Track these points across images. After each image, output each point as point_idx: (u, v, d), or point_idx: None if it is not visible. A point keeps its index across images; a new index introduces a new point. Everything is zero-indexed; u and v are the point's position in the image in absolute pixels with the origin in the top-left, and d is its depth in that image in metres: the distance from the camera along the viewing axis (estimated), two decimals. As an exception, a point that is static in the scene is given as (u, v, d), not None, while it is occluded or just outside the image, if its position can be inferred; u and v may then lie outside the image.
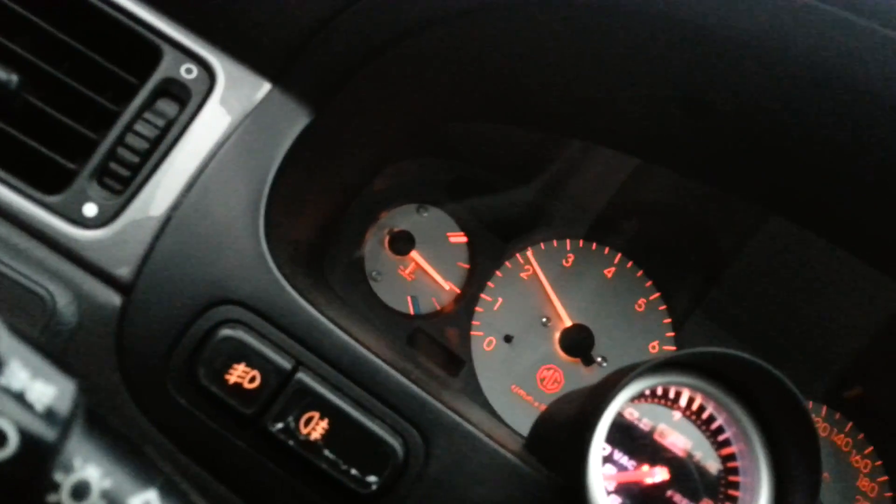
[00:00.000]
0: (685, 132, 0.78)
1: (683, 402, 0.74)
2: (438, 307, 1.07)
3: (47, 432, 0.29)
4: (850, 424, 1.09)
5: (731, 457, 0.73)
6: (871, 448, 1.08)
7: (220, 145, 0.70)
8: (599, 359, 1.09)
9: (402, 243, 1.07)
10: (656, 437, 0.74)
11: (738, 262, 1.04)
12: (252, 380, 0.65)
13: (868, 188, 0.73)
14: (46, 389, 0.30)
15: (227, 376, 0.64)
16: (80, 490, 0.30)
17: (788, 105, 0.67)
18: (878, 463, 1.08)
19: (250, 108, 0.72)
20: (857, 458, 1.08)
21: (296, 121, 0.73)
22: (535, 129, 0.96)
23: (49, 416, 0.29)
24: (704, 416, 0.74)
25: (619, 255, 1.11)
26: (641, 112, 0.80)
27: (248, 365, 0.65)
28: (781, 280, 1.03)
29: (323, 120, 0.75)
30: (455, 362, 1.06)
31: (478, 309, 1.08)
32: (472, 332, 1.08)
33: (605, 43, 0.72)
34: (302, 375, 0.65)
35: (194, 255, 0.68)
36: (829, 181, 0.75)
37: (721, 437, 0.74)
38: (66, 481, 0.30)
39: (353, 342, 0.68)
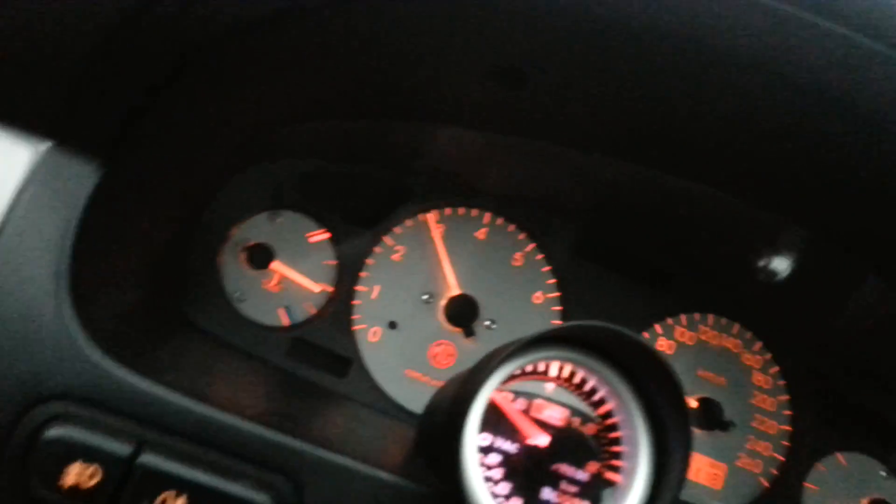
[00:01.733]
0: (512, 102, 0.75)
1: (554, 372, 0.74)
2: (314, 311, 1.04)
3: None
4: (736, 326, 1.12)
5: (609, 414, 0.74)
6: (760, 344, 1.12)
7: (1, 227, 0.63)
8: (488, 322, 1.08)
9: (261, 256, 1.02)
10: (533, 413, 0.74)
11: (604, 200, 1.04)
12: (92, 476, 0.60)
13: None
14: None
15: (63, 480, 0.60)
16: None
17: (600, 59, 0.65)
18: (769, 356, 1.12)
19: (29, 177, 0.65)
20: (749, 356, 1.12)
21: (84, 180, 0.66)
22: (376, 119, 0.91)
23: None
24: (576, 380, 0.74)
25: (488, 215, 1.09)
26: (470, 88, 0.77)
27: (84, 461, 0.60)
28: (650, 212, 1.03)
29: (120, 167, 0.68)
30: (342, 362, 1.03)
31: (355, 302, 1.05)
32: (355, 327, 1.05)
33: (435, 31, 0.68)
34: (146, 457, 0.61)
35: (2, 351, 0.62)
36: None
37: (596, 397, 0.74)
38: None
39: (196, 405, 0.64)
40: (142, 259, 0.78)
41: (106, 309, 0.69)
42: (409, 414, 1.04)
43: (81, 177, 0.66)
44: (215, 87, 0.75)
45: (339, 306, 1.04)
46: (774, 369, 1.12)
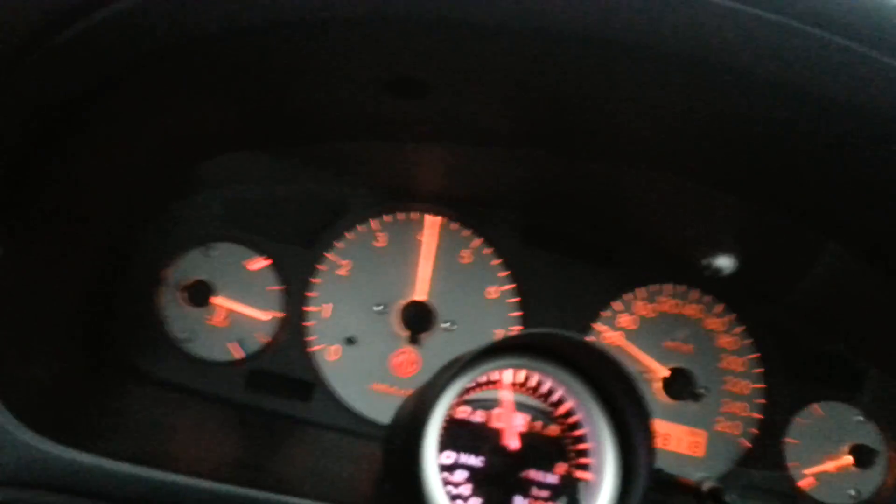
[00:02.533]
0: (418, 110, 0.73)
1: (508, 378, 0.72)
2: (267, 340, 1.00)
3: None
4: (696, 292, 1.11)
5: (570, 412, 0.72)
6: (722, 306, 1.11)
7: None
8: (447, 324, 1.05)
9: (201, 292, 0.98)
10: (493, 424, 0.71)
11: (541, 189, 1.01)
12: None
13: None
14: None
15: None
16: None
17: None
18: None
19: None
20: (712, 320, 1.11)
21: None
22: (292, 144, 0.88)
23: None
24: (532, 384, 0.72)
25: (426, 217, 1.06)
26: (370, 103, 0.74)
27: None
28: (588, 195, 1.01)
29: (15, 245, 0.64)
30: (304, 387, 1.01)
31: (308, 324, 1.02)
32: (312, 349, 1.02)
33: (329, 50, 0.64)
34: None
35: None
36: None
37: (555, 398, 0.72)
38: None
39: (142, 471, 0.61)
40: (63, 326, 0.75)
41: (31, 384, 0.65)
42: (381, 428, 1.01)
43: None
44: (121, 121, 0.71)
45: (292, 330, 1.01)
46: (739, 329, 1.11)
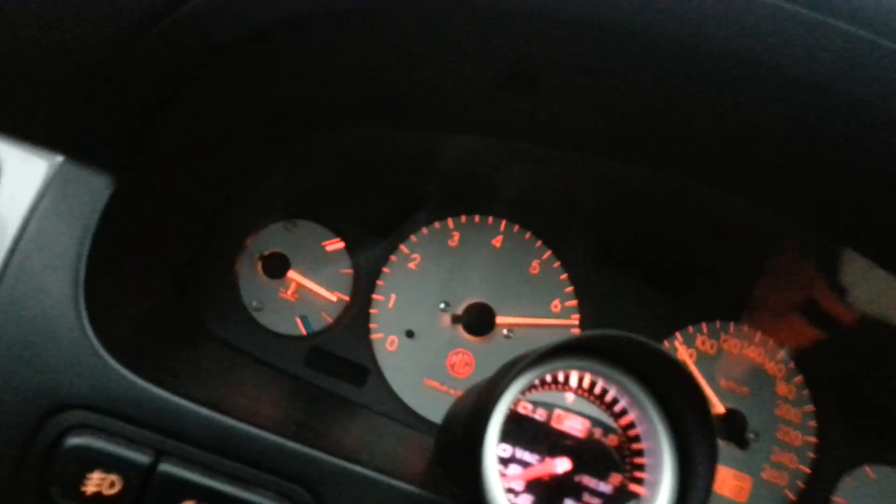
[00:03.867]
0: (524, 108, 0.75)
1: (574, 382, 0.73)
2: (331, 320, 1.03)
3: None
4: (758, 335, 1.10)
5: (631, 425, 0.72)
6: (801, 377, 1.10)
7: (17, 239, 0.63)
8: (506, 331, 1.07)
9: (277, 265, 1.01)
10: (553, 424, 0.72)
11: (621, 206, 1.02)
12: (112, 485, 0.60)
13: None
14: None
15: (84, 488, 0.59)
16: None
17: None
18: (791, 365, 1.10)
19: (43, 187, 0.65)
20: (772, 365, 1.10)
21: (98, 192, 0.66)
22: (390, 127, 0.91)
23: None
24: (597, 390, 0.73)
25: (503, 222, 1.08)
26: (483, 97, 0.76)
27: (104, 470, 0.60)
28: (668, 218, 1.01)
29: (133, 179, 0.68)
30: (359, 372, 1.03)
31: (372, 311, 1.05)
32: (372, 336, 1.04)
33: (442, 38, 0.67)
34: (166, 466, 0.61)
35: (16, 363, 0.61)
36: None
37: (617, 408, 0.73)
38: None
39: (214, 415, 0.64)
40: (157, 269, 0.78)
41: (123, 319, 0.69)
42: (428, 423, 1.03)
43: (94, 189, 0.66)
44: (229, 96, 0.75)
45: (355, 315, 1.04)
46: (798, 378, 1.10)
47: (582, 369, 0.72)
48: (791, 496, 1.07)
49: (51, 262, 0.63)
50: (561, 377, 0.72)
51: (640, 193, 0.92)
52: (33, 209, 0.64)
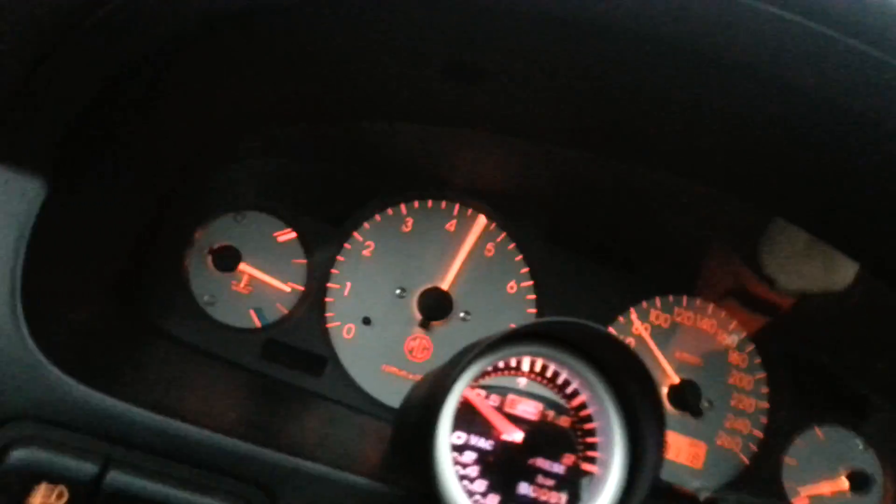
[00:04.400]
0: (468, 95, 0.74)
1: (526, 367, 0.74)
2: (286, 311, 1.02)
3: None
4: (711, 307, 1.12)
5: (583, 405, 0.73)
6: (735, 323, 1.13)
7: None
8: (462, 314, 1.07)
9: (228, 258, 1.00)
10: (507, 409, 0.73)
11: (572, 189, 1.03)
12: (59, 496, 0.59)
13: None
14: None
15: (29, 502, 0.59)
16: None
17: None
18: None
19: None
20: (724, 335, 1.13)
21: (32, 197, 0.64)
22: (339, 119, 0.90)
23: None
24: (549, 374, 0.74)
25: (457, 206, 1.08)
26: (430, 86, 0.75)
27: (50, 482, 0.59)
28: (617, 199, 1.02)
29: (69, 182, 0.66)
30: (317, 361, 1.02)
31: (327, 300, 1.04)
32: (328, 325, 1.04)
33: (388, 27, 0.66)
34: (113, 475, 0.60)
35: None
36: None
37: (569, 390, 0.74)
38: None
39: (163, 419, 0.63)
40: (99, 272, 0.77)
41: (64, 326, 0.68)
42: (389, 410, 1.03)
43: (27, 195, 0.64)
44: (172, 92, 0.73)
45: (311, 305, 1.03)
46: (750, 348, 1.12)
47: (533, 355, 0.73)
48: (744, 460, 1.10)
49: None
50: (513, 362, 0.73)
51: (593, 178, 0.93)
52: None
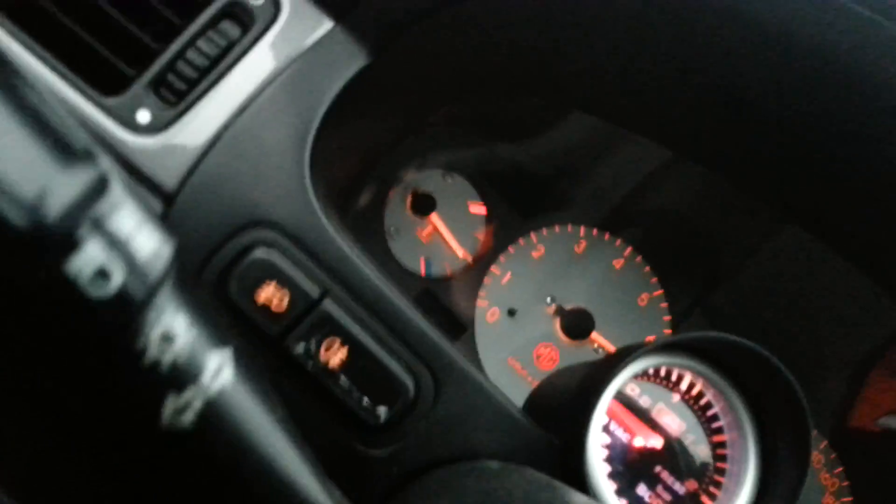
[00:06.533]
0: (719, 126, 0.81)
1: (684, 385, 0.77)
2: (449, 272, 1.10)
3: (150, 276, 0.31)
4: (825, 442, 1.12)
5: (723, 444, 0.76)
6: (840, 468, 1.12)
7: (276, 75, 0.72)
8: (596, 345, 1.11)
9: (424, 205, 1.09)
10: (653, 414, 0.77)
11: (741, 272, 1.07)
12: (281, 299, 0.66)
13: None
14: (151, 239, 0.31)
15: (257, 295, 0.66)
16: (168, 337, 0.32)
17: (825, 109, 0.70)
18: (846, 483, 1.11)
19: (310, 43, 0.74)
20: (827, 475, 1.12)
21: (352, 62, 0.74)
22: (571, 107, 0.98)
23: (152, 262, 0.31)
24: (702, 402, 0.77)
25: (629, 249, 1.14)
26: (675, 101, 0.83)
27: (278, 285, 0.67)
28: (782, 293, 1.06)
29: (378, 66, 0.76)
30: (457, 327, 1.09)
31: (486, 280, 1.11)
32: (478, 302, 1.10)
33: (647, 28, 0.74)
34: (328, 303, 0.67)
35: (239, 174, 0.69)
36: (851, 195, 0.78)
37: (715, 425, 0.77)
38: (157, 327, 0.32)
39: (377, 280, 0.70)
40: (357, 153, 0.86)
41: (325, 177, 0.76)
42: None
43: (351, 58, 0.74)
44: (452, 33, 0.83)
45: (472, 277, 1.10)
46: (847, 500, 1.11)
47: (696, 372, 0.76)
48: None
49: (296, 104, 0.71)
50: (674, 376, 0.77)
51: (778, 269, 0.96)
52: (296, 56, 0.73)
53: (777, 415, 0.72)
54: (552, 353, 1.11)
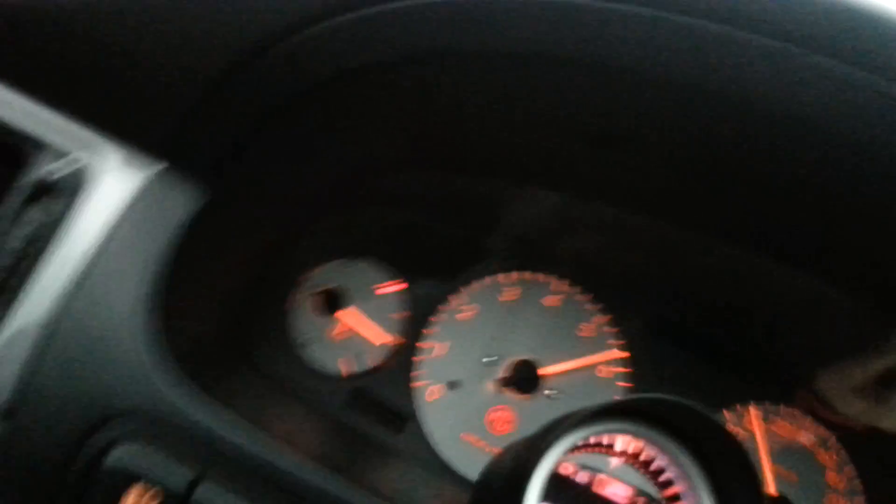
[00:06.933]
0: (601, 165, 0.76)
1: (619, 447, 0.71)
2: (376, 363, 1.03)
3: None
4: (810, 420, 1.06)
5: (677, 497, 0.70)
6: (833, 439, 1.06)
7: (105, 240, 0.66)
8: (549, 391, 1.05)
9: (329, 303, 1.03)
10: (595, 489, 0.71)
11: (687, 281, 1.01)
12: (153, 498, 0.60)
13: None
14: None
15: (124, 501, 0.60)
16: None
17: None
18: (843, 455, 1.05)
19: (136, 194, 0.68)
20: (823, 454, 1.06)
21: (186, 203, 0.69)
22: (464, 174, 0.93)
23: None
24: (643, 458, 0.71)
25: (563, 283, 1.08)
26: (563, 150, 0.77)
27: (146, 483, 0.61)
28: (733, 298, 1.00)
29: (221, 196, 0.71)
30: (399, 418, 1.02)
31: (417, 359, 1.05)
32: (414, 384, 1.04)
33: (528, 89, 0.69)
34: (208, 485, 0.61)
35: (79, 367, 0.63)
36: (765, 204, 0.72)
37: (662, 479, 0.70)
38: None
39: (258, 443, 0.64)
40: (222, 293, 0.80)
41: (183, 336, 0.70)
42: (461, 480, 1.01)
43: (184, 199, 0.69)
44: (314, 130, 0.78)
45: (401, 360, 1.04)
46: (849, 469, 1.05)
47: (630, 434, 0.70)
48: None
49: (129, 268, 0.65)
50: (606, 441, 0.71)
51: (712, 271, 0.91)
52: (122, 213, 0.67)
53: (720, 459, 0.66)
54: (505, 415, 1.04)
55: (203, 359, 0.75)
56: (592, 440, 0.71)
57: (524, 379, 1.05)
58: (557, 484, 0.70)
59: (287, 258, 1.00)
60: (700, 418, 0.63)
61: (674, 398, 0.64)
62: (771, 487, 1.02)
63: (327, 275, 1.03)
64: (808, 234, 0.73)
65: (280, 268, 0.99)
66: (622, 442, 0.71)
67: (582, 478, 0.71)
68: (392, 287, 1.05)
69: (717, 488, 0.68)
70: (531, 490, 0.66)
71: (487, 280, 1.07)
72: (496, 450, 1.01)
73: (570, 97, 0.64)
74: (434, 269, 1.06)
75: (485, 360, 1.05)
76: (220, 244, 0.78)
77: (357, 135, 0.82)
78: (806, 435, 1.06)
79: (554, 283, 1.08)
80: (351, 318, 1.03)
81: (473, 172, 0.88)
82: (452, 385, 1.04)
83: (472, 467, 1.01)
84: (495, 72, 0.63)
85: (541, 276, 1.07)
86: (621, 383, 1.05)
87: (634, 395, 0.65)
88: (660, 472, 0.70)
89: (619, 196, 0.81)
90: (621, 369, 1.06)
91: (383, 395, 1.03)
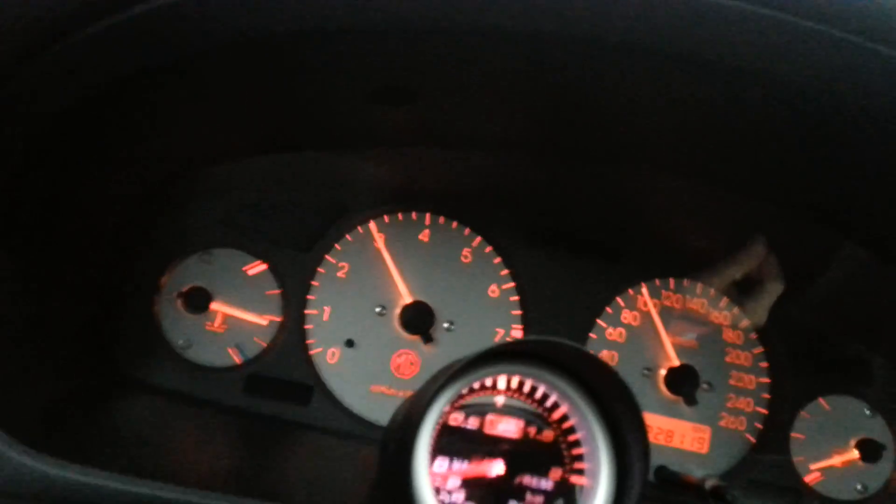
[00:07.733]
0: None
1: (502, 384, 0.71)
2: (265, 344, 1.01)
3: None
4: (699, 286, 1.10)
5: (565, 417, 0.71)
6: (725, 299, 1.10)
7: None
8: (447, 324, 1.05)
9: (199, 299, 0.98)
10: (486, 430, 0.71)
11: (543, 190, 1.00)
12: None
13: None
14: None
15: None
16: None
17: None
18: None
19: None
20: (716, 314, 1.10)
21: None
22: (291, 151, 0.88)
23: None
24: (526, 389, 0.71)
25: (427, 216, 1.05)
26: (359, 112, 0.73)
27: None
28: (591, 194, 1.00)
29: (15, 256, 0.64)
30: (303, 390, 1.01)
31: (307, 327, 1.02)
32: (311, 352, 1.02)
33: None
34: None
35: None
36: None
37: (549, 403, 0.71)
38: None
39: (132, 485, 0.61)
40: (61, 341, 0.75)
41: (26, 401, 0.66)
42: (380, 429, 1.01)
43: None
44: (114, 138, 0.71)
45: (290, 334, 1.01)
46: (744, 323, 1.09)
47: (509, 373, 0.70)
48: (751, 439, 1.08)
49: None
50: (489, 382, 0.71)
51: (557, 179, 0.90)
52: None
53: (597, 379, 0.67)
54: (409, 358, 1.04)
55: (66, 411, 0.71)
56: (476, 385, 0.70)
57: (419, 319, 1.04)
58: (450, 435, 0.70)
59: (140, 268, 0.94)
60: (560, 347, 0.64)
61: (537, 337, 0.64)
62: (675, 361, 1.06)
63: (188, 272, 0.98)
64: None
65: (135, 280, 0.94)
66: (504, 379, 0.71)
67: (473, 424, 0.71)
68: (259, 267, 1.00)
69: (598, 400, 0.69)
70: (420, 449, 0.66)
71: (357, 231, 1.04)
72: (409, 392, 1.02)
73: (347, 61, 0.59)
74: (295, 239, 1.02)
75: (375, 310, 1.04)
76: (39, 300, 0.72)
77: (172, 129, 0.77)
78: (698, 301, 1.10)
79: (421, 217, 1.05)
80: (226, 308, 0.99)
81: (303, 147, 0.83)
82: (350, 343, 1.03)
83: (387, 416, 1.01)
84: (289, 52, 0.58)
85: (407, 215, 1.05)
86: (513, 297, 1.06)
87: (499, 342, 0.65)
88: (544, 398, 0.71)
89: (440, 139, 0.78)
90: (510, 284, 1.06)
91: (282, 373, 1.00)
